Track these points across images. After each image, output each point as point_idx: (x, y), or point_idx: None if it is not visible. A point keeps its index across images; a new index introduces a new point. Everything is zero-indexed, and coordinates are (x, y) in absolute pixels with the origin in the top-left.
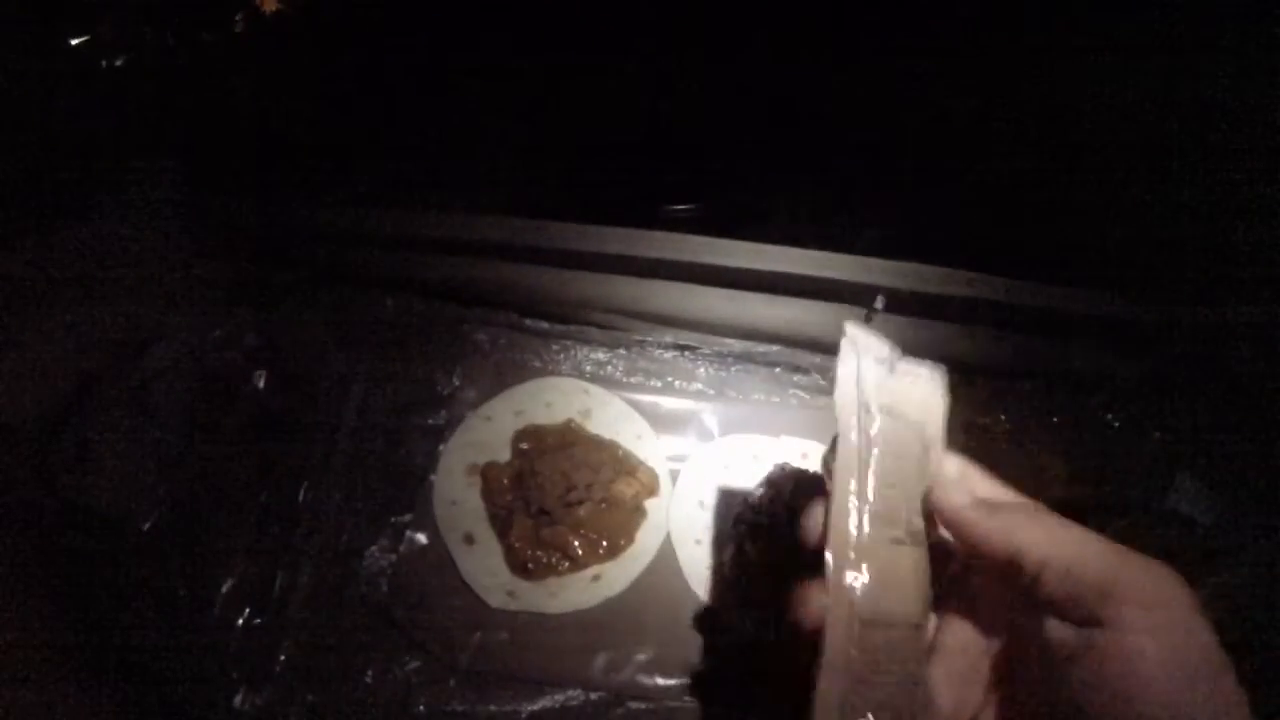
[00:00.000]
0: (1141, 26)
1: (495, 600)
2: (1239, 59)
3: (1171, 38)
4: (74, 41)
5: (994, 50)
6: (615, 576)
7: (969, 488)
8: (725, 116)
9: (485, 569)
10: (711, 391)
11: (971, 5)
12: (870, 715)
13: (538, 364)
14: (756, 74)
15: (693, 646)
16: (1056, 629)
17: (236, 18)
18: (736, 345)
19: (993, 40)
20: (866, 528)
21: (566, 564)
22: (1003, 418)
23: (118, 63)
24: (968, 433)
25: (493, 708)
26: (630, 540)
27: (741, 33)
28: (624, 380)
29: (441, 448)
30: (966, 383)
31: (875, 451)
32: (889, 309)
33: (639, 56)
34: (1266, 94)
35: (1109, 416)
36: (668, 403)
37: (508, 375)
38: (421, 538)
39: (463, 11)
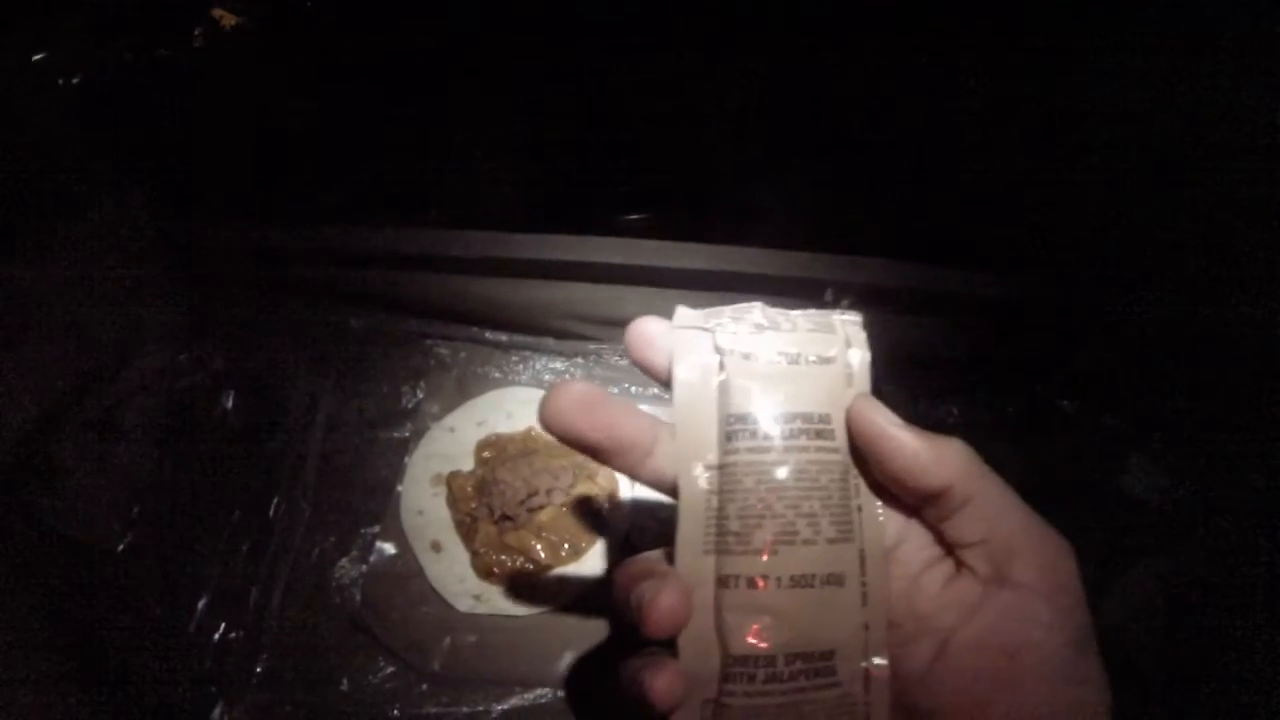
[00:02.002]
0: (1141, 26)
1: (463, 605)
2: (1239, 59)
3: (1171, 38)
4: (34, 58)
5: (993, 50)
6: (578, 577)
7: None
8: (692, 121)
9: (452, 575)
10: (668, 396)
11: (969, 5)
12: None
13: (498, 375)
14: (736, 74)
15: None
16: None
17: (196, 33)
18: None
19: (993, 40)
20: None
21: (530, 567)
22: (955, 410)
23: (74, 80)
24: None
25: (464, 709)
26: (591, 543)
27: (724, 30)
28: None
29: (407, 459)
30: (923, 369)
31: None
32: (836, 303)
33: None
34: (1266, 94)
35: (1063, 403)
36: None
37: (469, 387)
38: (390, 548)
39: (423, 17)
